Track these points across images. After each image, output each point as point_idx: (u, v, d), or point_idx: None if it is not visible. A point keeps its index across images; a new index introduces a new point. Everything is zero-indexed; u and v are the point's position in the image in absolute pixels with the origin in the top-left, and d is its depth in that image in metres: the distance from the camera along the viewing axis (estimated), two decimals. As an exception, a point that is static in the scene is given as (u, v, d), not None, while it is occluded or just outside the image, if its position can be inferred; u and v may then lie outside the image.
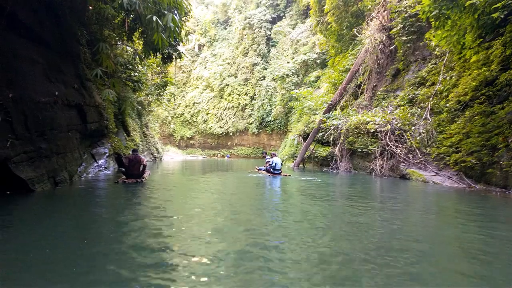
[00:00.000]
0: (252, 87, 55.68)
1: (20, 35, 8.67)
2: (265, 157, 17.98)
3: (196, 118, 62.71)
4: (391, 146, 15.22)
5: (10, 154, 7.26)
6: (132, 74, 19.29)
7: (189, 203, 7.84)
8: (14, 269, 3.52)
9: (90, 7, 12.15)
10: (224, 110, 58.86)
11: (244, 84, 56.85)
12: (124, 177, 11.22)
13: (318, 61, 41.92)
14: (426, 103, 15.51)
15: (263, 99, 52.40)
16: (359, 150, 17.66)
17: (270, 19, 56.56)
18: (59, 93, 9.79)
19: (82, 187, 9.72)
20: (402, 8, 19.01)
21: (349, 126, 18.64)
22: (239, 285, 3.24)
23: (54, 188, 8.88)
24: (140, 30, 12.37)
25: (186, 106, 64.34)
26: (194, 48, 67.76)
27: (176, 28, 9.07)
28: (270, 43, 56.42)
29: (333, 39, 29.25)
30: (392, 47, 20.67)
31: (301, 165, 22.96)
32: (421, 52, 18.77)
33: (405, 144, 14.99)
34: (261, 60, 55.61)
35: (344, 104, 23.94)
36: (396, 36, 19.40)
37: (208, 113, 61.21)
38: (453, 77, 14.61)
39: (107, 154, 14.50)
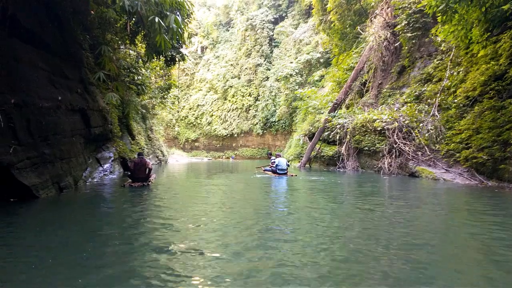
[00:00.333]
0: (256, 88, 55.60)
1: (23, 41, 8.57)
2: (270, 157, 17.88)
3: (201, 120, 62.71)
4: (399, 144, 15.00)
5: (13, 160, 7.14)
6: (136, 78, 19.19)
7: (195, 206, 7.68)
8: (12, 278, 3.38)
9: (92, 12, 12.06)
10: (228, 112, 58.80)
11: (247, 85, 56.78)
12: (130, 180, 11.15)
13: (321, 60, 41.76)
14: (434, 99, 15.27)
15: (267, 100, 52.32)
16: (366, 148, 17.45)
17: (272, 20, 56.48)
18: (62, 98, 9.68)
19: (87, 192, 9.60)
20: (406, 4, 18.77)
21: (356, 125, 18.43)
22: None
23: (59, 194, 8.76)
24: (142, 33, 12.24)
25: (190, 109, 64.35)
26: (197, 50, 67.83)
27: (179, 29, 8.93)
28: (273, 44, 56.36)
29: (336, 38, 29.02)
30: (397, 44, 20.43)
31: (307, 165, 22.78)
32: (426, 48, 18.52)
33: (413, 142, 14.76)
34: (264, 61, 55.52)
35: (350, 102, 23.73)
36: (400, 32, 19.16)
37: (212, 115, 61.19)
38: (461, 72, 14.37)
39: (112, 158, 14.39)
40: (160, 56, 14.04)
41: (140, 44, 15.73)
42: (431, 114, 14.73)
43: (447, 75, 15.17)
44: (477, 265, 3.80)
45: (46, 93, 8.93)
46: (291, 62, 46.08)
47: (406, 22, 18.57)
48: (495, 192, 9.12)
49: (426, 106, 15.56)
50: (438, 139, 13.60)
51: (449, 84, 14.86)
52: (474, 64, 13.63)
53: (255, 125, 54.71)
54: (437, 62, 16.80)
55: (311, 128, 25.05)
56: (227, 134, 58.70)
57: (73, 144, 10.33)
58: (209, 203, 8.04)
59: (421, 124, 14.74)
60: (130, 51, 18.27)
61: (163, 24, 8.19)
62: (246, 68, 57.13)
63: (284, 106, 46.15)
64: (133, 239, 4.82)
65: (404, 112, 15.94)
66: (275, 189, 11.07)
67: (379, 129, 16.37)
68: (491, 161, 10.58)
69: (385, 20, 21.11)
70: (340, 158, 19.66)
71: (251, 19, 56.49)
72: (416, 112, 15.44)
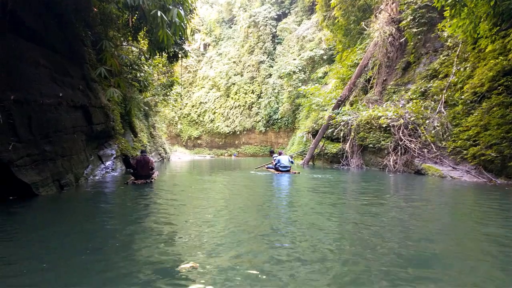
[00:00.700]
0: (259, 85, 55.42)
1: (24, 38, 8.43)
2: (273, 155, 17.73)
3: (203, 118, 62.58)
4: (404, 141, 14.78)
5: (13, 157, 7.00)
6: (138, 75, 19.06)
7: (198, 205, 7.52)
8: (10, 278, 3.23)
9: (95, 9, 11.92)
10: (230, 109, 58.66)
11: (250, 83, 56.59)
12: (133, 178, 11.07)
13: (324, 57, 41.53)
14: (440, 95, 15.04)
15: (270, 97, 52.16)
16: (371, 145, 17.24)
17: (275, 17, 56.23)
18: (63, 94, 9.54)
19: (88, 190, 9.45)
20: (412, 0, 18.55)
21: (360, 122, 18.22)
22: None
23: (60, 191, 8.62)
24: (145, 29, 12.09)
25: (192, 106, 64.23)
26: (199, 47, 67.68)
27: (182, 24, 8.75)
28: (276, 41, 56.11)
29: (340, 34, 28.77)
30: (402, 39, 20.19)
31: (310, 162, 22.60)
32: (432, 44, 18.29)
33: (419, 139, 14.54)
34: (267, 58, 55.30)
35: (354, 99, 23.53)
36: (406, 28, 18.92)
37: (214, 113, 61.06)
38: (468, 68, 14.14)
39: (114, 156, 14.26)
40: (163, 53, 13.89)
41: (142, 41, 15.61)
42: (437, 110, 14.52)
43: (454, 71, 14.94)
44: (492, 267, 3.62)
45: (47, 90, 8.79)
46: (294, 59, 45.84)
47: (412, 17, 18.33)
48: (506, 190, 8.91)
49: (432, 102, 15.33)
50: (445, 136, 13.39)
51: (455, 80, 14.64)
52: (482, 59, 13.40)
53: (258, 122, 54.56)
54: (443, 58, 16.57)
55: (314, 125, 24.84)
56: (230, 132, 58.58)
57: (74, 141, 10.19)
58: (212, 202, 7.87)
59: (427, 121, 14.53)
60: (133, 47, 18.14)
61: (166, 19, 8.01)
62: (249, 65, 56.94)
63: (287, 103, 45.98)
64: (135, 238, 4.67)
65: (409, 108, 15.72)
66: (277, 187, 10.88)
67: (384, 126, 16.16)
68: (500, 158, 10.37)
69: (390, 15, 20.86)
70: (344, 156, 19.45)
71: (254, 16, 56.25)
72: (422, 108, 15.22)
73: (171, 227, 5.22)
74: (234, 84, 58.21)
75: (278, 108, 50.52)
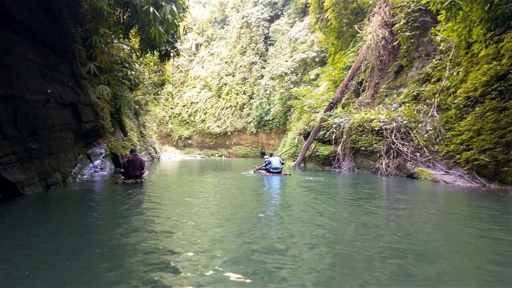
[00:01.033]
0: (250, 86, 55.37)
1: (12, 31, 8.18)
2: (263, 157, 17.58)
3: (194, 118, 62.37)
4: (397, 144, 14.72)
5: (-3, 155, 6.76)
6: (129, 73, 18.80)
7: (189, 205, 7.35)
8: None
9: (85, 6, 11.70)
10: (222, 110, 58.55)
11: (242, 83, 56.52)
12: (123, 177, 10.86)
13: (317, 59, 41.64)
14: (432, 99, 15.02)
15: (262, 98, 52.13)
16: (363, 148, 17.16)
17: (268, 18, 56.24)
18: (52, 91, 9.30)
19: (76, 189, 9.21)
20: (405, 3, 18.56)
21: (352, 124, 18.15)
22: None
23: (46, 191, 8.38)
24: (136, 27, 11.89)
25: (183, 106, 63.97)
26: (191, 47, 67.45)
27: (174, 21, 8.57)
28: (268, 42, 56.15)
29: (332, 37, 28.79)
30: (395, 43, 20.20)
31: (302, 164, 22.49)
32: (425, 48, 18.31)
33: (411, 142, 14.49)
34: (259, 59, 55.27)
35: (346, 102, 23.49)
36: (399, 31, 18.92)
37: (206, 113, 60.89)
38: (460, 72, 14.12)
39: (103, 155, 14.01)
40: (155, 51, 13.70)
41: (134, 39, 15.38)
42: (429, 114, 14.49)
43: (447, 75, 14.93)
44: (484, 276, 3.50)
45: (35, 85, 8.55)
46: (286, 61, 45.88)
47: (405, 21, 18.34)
48: (500, 196, 8.84)
49: (425, 106, 15.30)
50: (437, 140, 13.36)
51: (448, 84, 14.62)
52: (475, 64, 13.38)
53: (249, 123, 54.49)
54: (436, 62, 16.57)
55: (306, 127, 24.75)
56: (221, 132, 58.44)
57: (62, 139, 9.94)
58: (202, 203, 7.69)
59: (419, 125, 14.48)
60: (124, 45, 17.88)
61: (158, 15, 7.82)
62: (240, 66, 56.85)
63: (278, 104, 45.96)
64: (123, 240, 4.47)
65: (402, 112, 15.68)
66: (268, 189, 10.74)
67: (376, 129, 16.08)
68: (494, 163, 10.31)
69: (383, 18, 20.86)
70: (336, 158, 19.35)
71: (246, 17, 56.21)
72: (415, 112, 15.18)
73: (160, 229, 5.03)
74: (225, 84, 58.11)
75: (269, 110, 50.51)
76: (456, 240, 4.83)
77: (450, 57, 15.30)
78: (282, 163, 15.33)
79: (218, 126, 58.57)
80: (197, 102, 62.30)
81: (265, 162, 15.51)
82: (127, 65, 18.41)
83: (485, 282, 3.32)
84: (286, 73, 42.58)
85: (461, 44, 13.77)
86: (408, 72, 18.95)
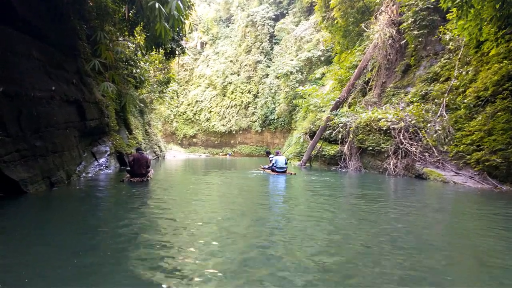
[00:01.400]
0: (255, 85, 55.14)
1: (16, 28, 8.07)
2: (268, 156, 17.41)
3: (199, 117, 62.21)
4: (405, 144, 14.52)
5: (1, 152, 6.64)
6: (134, 71, 18.70)
7: (195, 204, 7.21)
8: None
9: (91, 3, 11.60)
10: (227, 108, 58.34)
11: (247, 82, 56.29)
12: (128, 175, 10.81)
13: (322, 58, 41.34)
14: (441, 99, 14.80)
15: (267, 97, 51.90)
16: (370, 148, 16.97)
17: (273, 16, 55.93)
18: (56, 88, 9.19)
19: (80, 187, 9.09)
20: (413, 2, 18.32)
21: (359, 124, 17.95)
22: None
23: (50, 189, 8.25)
24: (141, 24, 11.78)
25: (188, 104, 63.84)
26: (196, 46, 67.29)
27: (180, 17, 8.42)
28: (273, 41, 55.85)
29: (339, 35, 28.54)
30: (402, 42, 19.97)
31: (307, 164, 22.30)
32: (433, 47, 18.07)
33: (420, 142, 14.28)
34: (264, 58, 55.01)
35: (352, 101, 23.27)
36: (406, 30, 18.68)
37: (210, 111, 60.72)
38: (470, 72, 13.90)
39: (108, 153, 13.90)
40: (160, 49, 13.60)
41: (139, 37, 15.28)
42: (438, 114, 14.28)
43: (456, 74, 14.70)
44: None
45: (39, 83, 8.44)
46: (292, 60, 45.61)
47: (413, 19, 18.10)
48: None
49: (433, 106, 15.07)
50: (447, 140, 13.14)
51: (457, 83, 14.39)
52: (485, 63, 13.16)
53: (254, 122, 54.27)
54: (444, 61, 16.32)
55: (312, 127, 24.56)
56: (226, 131, 58.26)
57: (66, 137, 9.82)
58: (208, 204, 7.58)
59: (428, 124, 14.26)
60: (129, 43, 17.79)
61: (164, 11, 7.66)
62: (245, 65, 56.61)
63: (283, 103, 45.73)
64: (126, 240, 4.33)
65: (410, 111, 15.47)
66: (274, 189, 10.57)
67: (384, 128, 15.88)
68: (506, 164, 10.11)
69: (390, 17, 20.64)
70: (342, 158, 19.17)
71: (251, 16, 55.95)
72: (423, 112, 14.96)
73: (166, 231, 4.88)
74: (230, 83, 57.92)
75: (274, 109, 50.27)
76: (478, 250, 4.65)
77: (459, 56, 15.06)
78: (286, 163, 15.18)
79: (223, 125, 58.39)
80: (202, 101, 62.15)
81: (271, 161, 15.35)
82: (132, 62, 18.32)
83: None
84: (291, 72, 42.34)
85: (471, 43, 13.52)
86: (416, 71, 18.72)
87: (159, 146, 29.56)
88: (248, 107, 55.59)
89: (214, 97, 60.99)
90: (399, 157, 14.73)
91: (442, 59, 16.67)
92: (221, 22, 67.26)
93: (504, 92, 11.22)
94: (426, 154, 13.70)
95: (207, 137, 61.80)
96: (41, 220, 5.55)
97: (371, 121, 17.05)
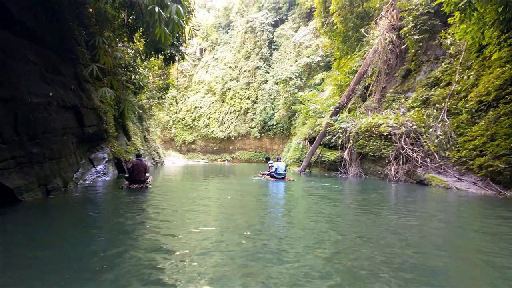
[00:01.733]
0: (254, 91, 55.17)
1: (13, 32, 7.94)
2: (268, 162, 17.24)
3: (198, 123, 62.19)
4: (406, 150, 14.38)
5: (-5, 159, 6.48)
6: (133, 77, 18.58)
7: (192, 213, 7.04)
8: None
9: (91, 10, 11.51)
10: (226, 114, 58.33)
11: (246, 88, 56.33)
12: (127, 182, 10.65)
13: (321, 64, 41.37)
14: (442, 104, 14.69)
15: (266, 103, 51.90)
16: (370, 154, 16.82)
17: (273, 23, 56.10)
18: (54, 94, 9.03)
19: (77, 195, 8.90)
20: (413, 6, 18.28)
21: (359, 129, 17.81)
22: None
23: (46, 197, 8.07)
24: (141, 30, 11.67)
25: (187, 111, 63.84)
26: (195, 52, 67.37)
27: (180, 22, 8.30)
28: (273, 47, 55.98)
29: (338, 41, 28.57)
30: (403, 47, 19.91)
31: (307, 170, 22.13)
32: (433, 52, 18.01)
33: (421, 148, 14.13)
34: (263, 64, 55.10)
35: (352, 106, 23.18)
36: (407, 35, 18.64)
37: (209, 117, 60.70)
38: (471, 76, 13.81)
39: (106, 159, 13.72)
40: (159, 54, 13.50)
41: (138, 43, 15.18)
42: (440, 119, 14.16)
43: (457, 79, 14.61)
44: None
45: (36, 88, 8.28)
46: (291, 65, 45.66)
47: (413, 24, 18.07)
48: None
49: (435, 111, 14.95)
50: (448, 146, 13.00)
51: (459, 88, 14.29)
52: (487, 67, 13.08)
53: (253, 128, 54.22)
54: (445, 66, 16.24)
55: (311, 132, 24.42)
56: (225, 137, 58.18)
57: (64, 144, 9.66)
58: (207, 211, 7.41)
59: (429, 130, 14.12)
60: (128, 49, 17.68)
61: (164, 15, 7.54)
62: (245, 71, 56.66)
63: (282, 109, 45.69)
64: (124, 252, 4.16)
65: (411, 117, 15.34)
66: (273, 196, 10.38)
67: (385, 134, 15.74)
68: (509, 170, 9.95)
69: (390, 22, 20.59)
70: (342, 164, 19.02)
71: (251, 22, 56.12)
72: (424, 117, 14.83)
73: (164, 242, 4.71)
74: (229, 89, 57.95)
75: (273, 114, 50.25)
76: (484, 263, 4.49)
77: (460, 60, 14.98)
78: (286, 169, 15.03)
79: (222, 131, 58.31)
80: (201, 107, 62.12)
81: (271, 167, 15.18)
82: (131, 68, 18.20)
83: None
84: (290, 78, 42.35)
85: (472, 48, 13.48)
86: (416, 76, 18.64)
87: (157, 153, 29.40)
88: (247, 113, 55.56)
89: (213, 103, 60.99)
90: (400, 162, 14.58)
91: (443, 63, 16.60)
92: (220, 28, 67.44)
93: (507, 96, 11.12)
94: (428, 160, 13.55)
95: (206, 143, 61.71)
96: (36, 229, 5.36)
97: (372, 126, 16.91)
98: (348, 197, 10.25)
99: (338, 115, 21.38)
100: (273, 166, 14.98)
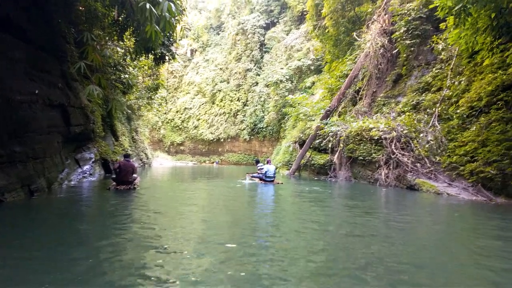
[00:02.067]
0: (245, 93, 55.03)
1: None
2: (257, 164, 17.07)
3: (187, 124, 61.79)
4: (397, 154, 14.31)
5: (-25, 158, 6.22)
6: (122, 76, 18.30)
7: (179, 216, 6.88)
8: None
9: (80, 7, 11.23)
10: (215, 116, 58.06)
11: (236, 90, 56.18)
12: (114, 183, 10.43)
13: (312, 67, 41.34)
14: (433, 109, 14.66)
15: (256, 105, 51.78)
16: (360, 158, 16.74)
17: (264, 25, 56.04)
18: (40, 92, 8.76)
19: (62, 196, 8.65)
20: (405, 11, 18.30)
21: (350, 133, 17.74)
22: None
23: (30, 197, 7.81)
24: (131, 29, 11.43)
25: (177, 112, 63.42)
26: (186, 53, 67.01)
27: (172, 20, 8.10)
28: (264, 49, 55.92)
29: (329, 44, 28.60)
30: (394, 51, 19.93)
31: (296, 173, 22.03)
32: (424, 57, 18.03)
33: (412, 152, 14.08)
34: (254, 66, 55.01)
35: (342, 110, 23.15)
36: (399, 40, 18.66)
37: (199, 119, 60.35)
38: (463, 82, 13.80)
39: (93, 160, 13.45)
40: (149, 54, 13.27)
41: (128, 42, 14.93)
42: (430, 124, 14.13)
43: (448, 84, 14.61)
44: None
45: (20, 85, 8.02)
46: (282, 68, 45.58)
47: (405, 29, 18.09)
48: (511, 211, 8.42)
49: (425, 116, 14.92)
50: (439, 151, 12.97)
51: (450, 93, 14.29)
52: (478, 73, 13.09)
53: (243, 130, 54.03)
54: (436, 71, 16.26)
55: (301, 135, 24.31)
56: (214, 139, 57.86)
57: (49, 143, 9.38)
58: (194, 213, 7.31)
59: (420, 135, 14.07)
60: (118, 48, 17.41)
61: (155, 12, 7.33)
62: (235, 73, 56.53)
63: (273, 112, 45.54)
64: (109, 254, 3.97)
65: (402, 121, 15.30)
66: (261, 200, 10.22)
67: (375, 138, 15.68)
68: (501, 176, 9.90)
69: (382, 26, 20.61)
70: (332, 167, 18.94)
71: (242, 24, 56.02)
72: (415, 121, 14.79)
73: (150, 243, 4.52)
74: (220, 91, 57.72)
75: (263, 117, 50.12)
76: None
77: (451, 66, 14.99)
78: (275, 172, 14.90)
79: (211, 133, 58.00)
80: (190, 108, 61.76)
81: (261, 169, 15.03)
82: (120, 67, 17.93)
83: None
84: (281, 81, 42.25)
85: (464, 53, 13.48)
86: (407, 81, 18.65)
87: (145, 153, 29.10)
88: (237, 115, 55.38)
89: (202, 104, 60.69)
90: (391, 167, 14.51)
91: (434, 69, 16.62)
92: (211, 29, 67.23)
93: (498, 102, 11.10)
94: (418, 165, 13.51)
95: (194, 144, 61.33)
96: (17, 231, 5.12)
97: (362, 130, 16.85)
98: (338, 203, 10.13)
99: (328, 118, 21.30)
100: (263, 168, 14.84)
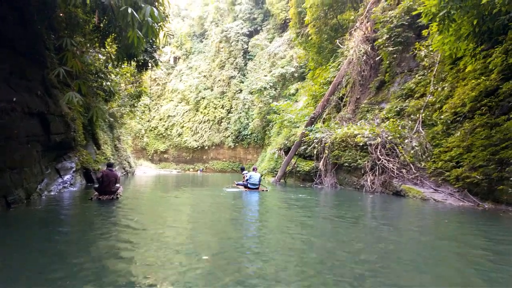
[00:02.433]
0: (229, 100, 54.90)
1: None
2: (242, 172, 16.91)
3: (171, 132, 61.25)
4: (382, 161, 14.32)
5: None
6: (104, 83, 17.95)
7: (164, 226, 6.68)
8: None
9: (61, 14, 10.96)
10: (199, 124, 57.69)
11: (220, 97, 56.01)
12: (97, 193, 10.13)
13: (296, 74, 41.57)
14: (417, 115, 14.74)
15: (240, 112, 51.67)
16: (346, 164, 16.73)
17: (247, 33, 56.11)
18: (18, 99, 8.44)
19: (41, 207, 8.32)
20: (388, 19, 18.47)
21: (334, 139, 17.73)
22: None
23: (7, 209, 7.47)
24: (113, 36, 11.18)
25: (160, 119, 62.86)
26: (169, 60, 66.63)
27: (154, 25, 7.93)
28: (247, 56, 55.95)
29: (313, 52, 28.74)
30: (377, 58, 20.09)
31: (282, 180, 21.92)
32: (407, 64, 18.20)
33: (397, 158, 14.10)
34: (238, 73, 54.97)
35: (327, 116, 23.18)
36: (381, 47, 18.80)
37: (183, 127, 59.89)
38: (446, 88, 13.92)
39: (73, 169, 13.08)
40: (132, 61, 13.02)
41: (110, 49, 14.65)
42: (415, 130, 14.18)
43: (431, 90, 14.72)
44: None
45: (-1, 93, 7.70)
46: (265, 76, 45.70)
47: (388, 36, 18.24)
48: (500, 217, 8.39)
49: (409, 122, 14.98)
50: (424, 157, 12.99)
51: (433, 100, 14.40)
52: (461, 79, 13.21)
53: (227, 137, 53.80)
54: (419, 78, 16.41)
55: (286, 142, 24.27)
56: (198, 146, 57.42)
57: (28, 152, 9.04)
58: (177, 224, 7.11)
59: (405, 141, 14.12)
60: (99, 55, 17.10)
61: (137, 17, 7.14)
62: (219, 80, 56.40)
63: (257, 119, 45.52)
64: (90, 269, 3.74)
65: (386, 128, 15.33)
66: (246, 208, 10.01)
67: (361, 144, 15.68)
68: (487, 181, 9.92)
69: (364, 34, 20.77)
70: (317, 174, 18.88)
71: (225, 31, 56.03)
72: (399, 128, 14.83)
73: (132, 256, 4.31)
74: (203, 98, 57.43)
75: (248, 124, 50.03)
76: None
77: (434, 72, 15.12)
78: (260, 180, 14.76)
79: (195, 140, 57.57)
80: (174, 116, 61.27)
81: (245, 176, 14.90)
82: (102, 75, 17.58)
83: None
84: (265, 88, 42.30)
85: (446, 60, 13.62)
86: (390, 87, 18.79)
87: (128, 162, 28.61)
88: (221, 122, 55.16)
89: (186, 112, 60.28)
90: (376, 173, 14.51)
91: (416, 75, 16.77)
92: (194, 37, 67.01)
93: (482, 108, 11.17)
94: (404, 171, 13.52)
95: (178, 152, 60.77)
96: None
97: (347, 136, 16.86)
98: (324, 211, 10.00)
99: (313, 125, 21.28)
100: (246, 176, 14.71)
